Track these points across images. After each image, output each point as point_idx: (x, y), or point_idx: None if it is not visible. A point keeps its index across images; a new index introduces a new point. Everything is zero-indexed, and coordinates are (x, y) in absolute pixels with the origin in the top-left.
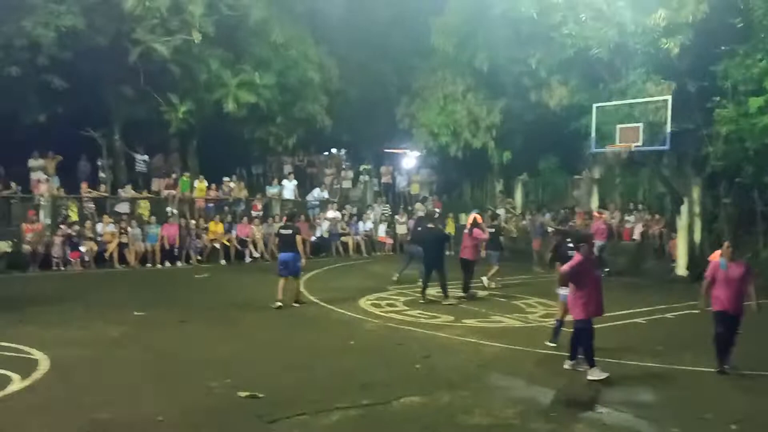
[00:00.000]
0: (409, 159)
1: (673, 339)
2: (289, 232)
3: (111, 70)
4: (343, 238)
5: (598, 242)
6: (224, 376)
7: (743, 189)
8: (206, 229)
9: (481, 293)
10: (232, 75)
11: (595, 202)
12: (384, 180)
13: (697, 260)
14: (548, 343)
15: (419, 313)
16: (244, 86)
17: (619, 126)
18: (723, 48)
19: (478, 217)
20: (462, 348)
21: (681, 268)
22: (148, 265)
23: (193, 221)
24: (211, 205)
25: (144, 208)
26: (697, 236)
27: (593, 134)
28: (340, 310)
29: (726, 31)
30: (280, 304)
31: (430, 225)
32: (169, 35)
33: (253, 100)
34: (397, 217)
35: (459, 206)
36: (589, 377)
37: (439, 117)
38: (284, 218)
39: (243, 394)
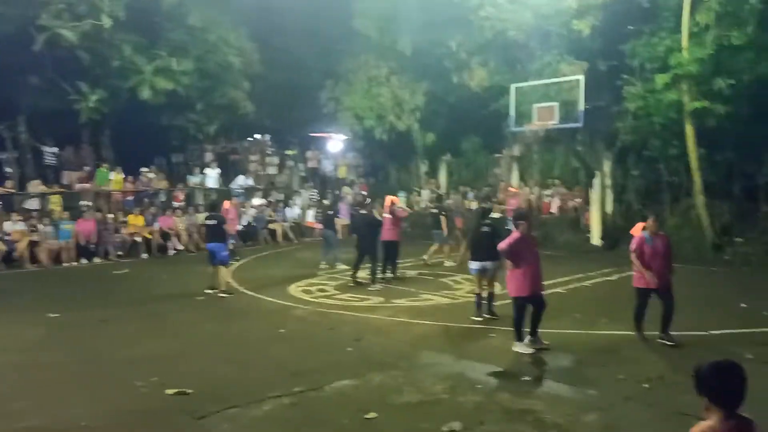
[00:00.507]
0: (335, 143)
1: (589, 306)
2: (214, 222)
3: (14, 58)
4: (270, 225)
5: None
6: (151, 374)
7: (650, 162)
8: (125, 222)
9: (410, 273)
10: (147, 61)
11: (515, 179)
12: (310, 165)
13: (610, 230)
14: (474, 318)
15: (350, 297)
16: (160, 73)
17: (535, 105)
18: (630, 28)
19: (395, 199)
20: (393, 328)
21: (595, 238)
22: (63, 263)
23: (111, 215)
24: (130, 198)
25: (55, 203)
26: (609, 207)
27: (512, 114)
28: (269, 299)
29: (633, 12)
30: (214, 291)
31: (363, 211)
32: (77, 20)
33: (171, 87)
34: (325, 201)
35: (385, 189)
36: (516, 348)
37: (363, 100)
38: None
39: (171, 391)
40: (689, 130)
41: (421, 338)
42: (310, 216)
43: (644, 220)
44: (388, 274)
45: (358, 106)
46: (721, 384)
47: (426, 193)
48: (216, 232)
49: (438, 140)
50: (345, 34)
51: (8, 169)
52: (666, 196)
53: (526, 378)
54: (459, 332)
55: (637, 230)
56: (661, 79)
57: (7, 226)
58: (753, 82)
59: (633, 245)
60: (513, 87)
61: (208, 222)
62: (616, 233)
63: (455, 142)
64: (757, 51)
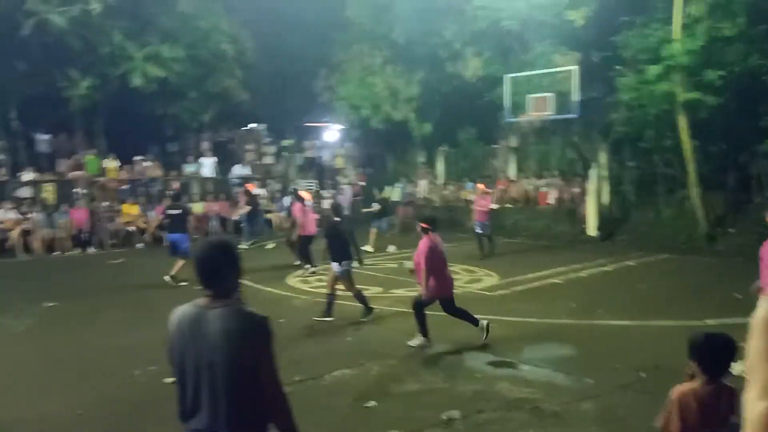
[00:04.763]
0: (332, 133)
1: (585, 296)
2: (178, 212)
3: (1, 44)
4: (267, 215)
5: (479, 222)
6: (148, 363)
7: (645, 153)
8: (119, 211)
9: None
10: (137, 48)
11: (512, 171)
12: (307, 155)
13: (606, 221)
14: (320, 319)
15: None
16: (151, 59)
17: (530, 96)
18: (623, 19)
19: (306, 194)
20: (391, 318)
21: (591, 229)
22: (57, 252)
23: (105, 203)
24: (125, 187)
25: (48, 191)
26: (605, 198)
27: (507, 104)
28: (268, 289)
29: (626, 3)
30: (185, 283)
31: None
32: (65, 5)
33: (163, 74)
34: (323, 192)
35: (383, 179)
36: (412, 343)
37: (358, 90)
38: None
39: (169, 380)
40: (682, 121)
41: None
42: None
43: None
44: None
45: (353, 96)
46: (711, 352)
47: (423, 184)
48: (179, 223)
49: (434, 130)
50: (339, 23)
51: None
52: (661, 188)
53: (525, 367)
54: (457, 322)
55: None
56: (653, 71)
57: None
58: (744, 74)
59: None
60: (507, 77)
61: (172, 212)
62: (612, 224)
63: (452, 132)
64: (747, 43)
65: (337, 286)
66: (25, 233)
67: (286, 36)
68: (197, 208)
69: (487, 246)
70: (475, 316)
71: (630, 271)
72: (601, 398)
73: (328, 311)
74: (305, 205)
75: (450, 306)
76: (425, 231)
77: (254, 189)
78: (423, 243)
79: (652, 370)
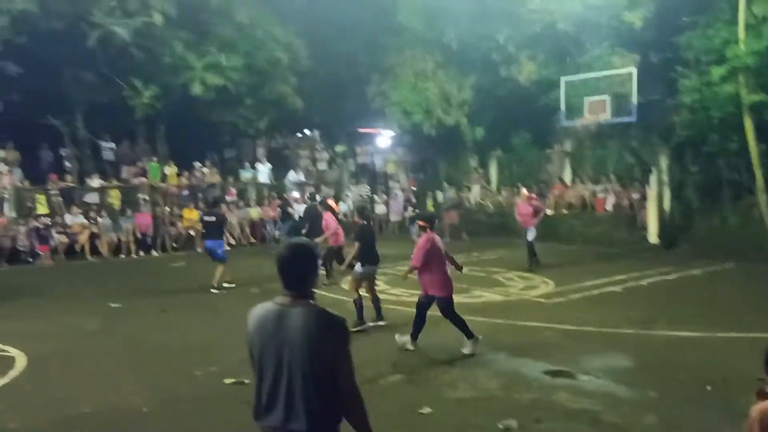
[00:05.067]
0: (384, 138)
1: (647, 306)
2: (213, 219)
3: (69, 54)
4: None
5: (530, 229)
6: (208, 363)
7: (709, 157)
8: (180, 216)
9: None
10: (197, 57)
11: (568, 175)
12: (360, 161)
13: (668, 228)
14: (355, 329)
15: (402, 292)
16: (210, 68)
17: (587, 99)
18: (684, 19)
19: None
20: (445, 324)
21: (653, 236)
22: (122, 255)
23: (167, 208)
24: (185, 192)
25: (114, 197)
26: (667, 205)
27: (562, 108)
28: (322, 293)
29: (687, 3)
30: (232, 285)
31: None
32: (128, 17)
33: (221, 83)
34: (375, 197)
35: (435, 184)
36: (466, 350)
37: (410, 95)
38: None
39: (228, 381)
40: (748, 124)
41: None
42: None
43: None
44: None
45: (406, 101)
46: None
47: (476, 189)
48: (215, 230)
49: (487, 135)
50: (391, 28)
51: (68, 164)
52: (726, 194)
53: (583, 377)
54: (512, 329)
55: None
56: (717, 72)
57: (68, 219)
58: None
59: None
60: (563, 80)
61: (207, 219)
62: (674, 231)
63: (505, 136)
64: None
65: (361, 289)
66: (93, 237)
67: (339, 42)
68: (253, 213)
69: (526, 256)
70: (470, 329)
71: (694, 280)
72: (665, 412)
73: (359, 317)
74: (335, 215)
75: (449, 308)
76: (423, 229)
77: (338, 208)
78: (422, 240)
79: (720, 384)
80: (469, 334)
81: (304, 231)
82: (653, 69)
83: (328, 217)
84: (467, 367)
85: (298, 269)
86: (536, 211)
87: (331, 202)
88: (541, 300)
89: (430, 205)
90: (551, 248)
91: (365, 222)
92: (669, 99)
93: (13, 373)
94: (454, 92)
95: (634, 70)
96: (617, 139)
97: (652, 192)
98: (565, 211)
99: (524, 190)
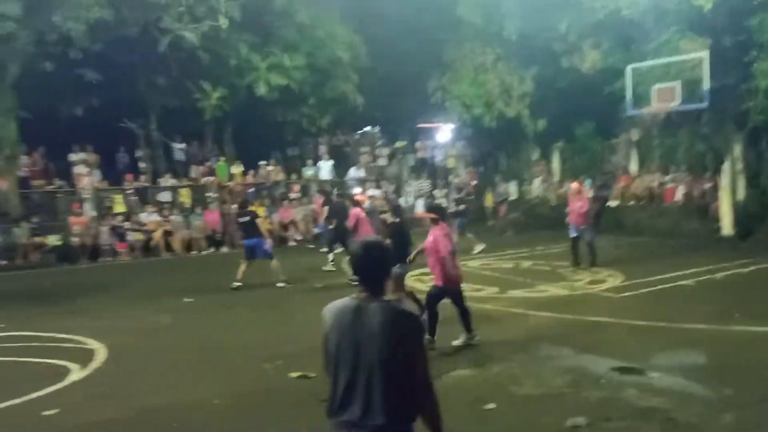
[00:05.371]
0: (444, 133)
1: (723, 300)
2: (247, 218)
3: (142, 60)
4: (382, 216)
5: (573, 226)
6: (275, 357)
7: None
8: None
9: (526, 264)
10: (261, 58)
11: (634, 166)
12: (420, 155)
13: (742, 219)
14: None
15: (463, 287)
16: (274, 69)
17: (655, 86)
18: (755, 2)
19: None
20: (509, 319)
21: (727, 228)
22: (194, 251)
23: (234, 206)
24: (250, 190)
25: (185, 195)
26: (741, 194)
27: (629, 96)
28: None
29: None
30: (239, 284)
31: (397, 219)
32: (196, 22)
33: (284, 83)
34: (435, 192)
35: (495, 177)
36: (456, 342)
37: (470, 88)
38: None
39: (295, 374)
40: None
41: (538, 330)
42: (420, 206)
43: None
44: None
45: (466, 95)
46: None
47: (537, 182)
48: (250, 228)
49: (549, 126)
50: (449, 23)
51: (142, 165)
52: None
53: (653, 374)
54: (578, 324)
55: None
56: None
57: (143, 217)
58: None
59: None
60: (629, 68)
61: (241, 219)
62: (750, 222)
63: (568, 127)
64: None
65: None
66: (167, 234)
67: (399, 39)
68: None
69: (587, 254)
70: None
71: None
72: (743, 410)
73: (420, 308)
74: (363, 210)
75: (459, 298)
76: (434, 221)
77: (365, 201)
78: (436, 231)
79: None
80: (470, 329)
81: (331, 227)
82: (726, 53)
83: (356, 212)
84: (532, 363)
85: (375, 267)
86: (586, 211)
87: (359, 197)
88: (610, 294)
89: (489, 199)
90: (618, 240)
91: (398, 220)
92: (743, 84)
93: (93, 365)
94: (514, 84)
95: (706, 55)
96: (688, 126)
97: (725, 181)
98: (631, 203)
99: (574, 184)
